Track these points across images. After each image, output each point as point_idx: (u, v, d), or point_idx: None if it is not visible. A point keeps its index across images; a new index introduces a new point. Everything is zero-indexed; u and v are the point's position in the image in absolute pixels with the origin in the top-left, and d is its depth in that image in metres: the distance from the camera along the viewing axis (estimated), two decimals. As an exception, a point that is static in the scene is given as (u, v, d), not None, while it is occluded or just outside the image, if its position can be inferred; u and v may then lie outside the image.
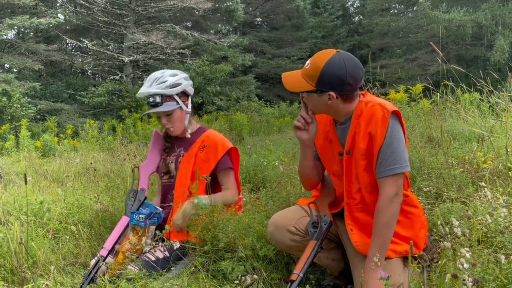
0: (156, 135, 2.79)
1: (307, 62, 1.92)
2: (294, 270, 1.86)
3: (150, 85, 2.53)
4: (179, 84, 2.55)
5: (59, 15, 17.82)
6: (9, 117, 11.36)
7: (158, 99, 2.49)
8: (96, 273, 2.22)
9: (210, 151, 2.56)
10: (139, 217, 2.38)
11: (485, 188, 2.45)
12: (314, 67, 1.87)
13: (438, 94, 5.31)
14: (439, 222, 2.13)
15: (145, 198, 2.53)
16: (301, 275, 1.83)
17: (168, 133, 2.67)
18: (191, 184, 2.50)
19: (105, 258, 2.29)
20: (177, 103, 2.55)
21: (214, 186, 2.59)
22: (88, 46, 15.95)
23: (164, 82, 2.52)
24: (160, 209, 2.49)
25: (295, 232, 2.05)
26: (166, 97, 2.52)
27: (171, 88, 2.52)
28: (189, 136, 2.65)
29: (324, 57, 1.87)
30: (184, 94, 2.61)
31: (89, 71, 21.49)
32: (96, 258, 2.30)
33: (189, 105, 2.63)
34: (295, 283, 1.81)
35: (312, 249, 1.92)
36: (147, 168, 2.69)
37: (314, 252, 1.91)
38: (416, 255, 1.92)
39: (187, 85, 2.61)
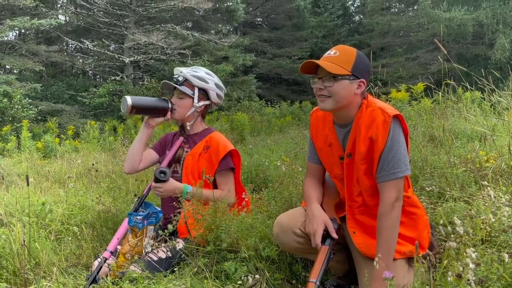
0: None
1: (333, 51, 1.90)
2: (310, 277, 1.82)
3: (187, 68, 2.71)
4: (205, 82, 2.68)
5: (59, 16, 17.85)
6: (10, 118, 11.36)
7: (181, 79, 2.64)
8: (98, 273, 2.23)
9: (213, 152, 2.61)
10: (137, 218, 2.38)
11: (488, 187, 2.44)
12: (346, 53, 1.88)
13: (440, 93, 5.30)
14: (441, 222, 2.12)
15: (144, 197, 2.54)
16: (317, 283, 1.79)
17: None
18: (194, 183, 2.51)
19: (106, 260, 2.30)
20: (193, 93, 2.65)
21: (216, 187, 2.61)
22: (89, 47, 15.95)
23: (196, 72, 2.68)
24: (159, 209, 2.50)
25: (301, 235, 2.03)
26: (188, 83, 2.64)
27: (197, 79, 2.65)
28: (188, 128, 2.71)
29: (350, 47, 1.92)
30: (204, 93, 2.69)
31: (90, 72, 21.49)
32: (99, 259, 2.31)
33: (201, 103, 2.68)
34: None
35: (325, 255, 1.89)
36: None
37: (327, 258, 1.89)
38: (420, 255, 1.91)
39: (212, 89, 2.70)
